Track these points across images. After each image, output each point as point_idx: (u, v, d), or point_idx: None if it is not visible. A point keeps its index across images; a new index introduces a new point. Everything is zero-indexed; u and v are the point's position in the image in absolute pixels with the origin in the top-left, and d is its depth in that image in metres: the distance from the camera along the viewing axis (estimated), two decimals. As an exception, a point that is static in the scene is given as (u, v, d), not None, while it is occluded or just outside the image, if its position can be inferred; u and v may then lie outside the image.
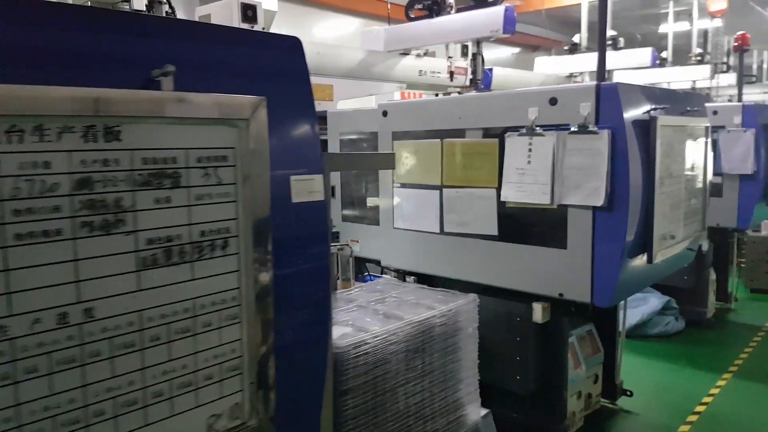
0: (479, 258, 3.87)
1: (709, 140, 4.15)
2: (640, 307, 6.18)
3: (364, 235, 4.62)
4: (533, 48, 17.01)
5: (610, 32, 8.42)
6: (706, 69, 10.11)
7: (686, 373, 5.30)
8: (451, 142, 3.97)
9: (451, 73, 6.29)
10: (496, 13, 4.59)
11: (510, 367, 3.80)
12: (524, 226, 3.66)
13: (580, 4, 9.58)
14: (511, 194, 3.63)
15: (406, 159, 4.17)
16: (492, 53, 15.88)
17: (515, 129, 3.57)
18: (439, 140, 4.00)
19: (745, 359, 5.58)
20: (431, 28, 5.16)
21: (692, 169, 3.98)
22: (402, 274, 4.32)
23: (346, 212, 4.76)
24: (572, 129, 3.35)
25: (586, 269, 3.36)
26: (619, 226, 3.25)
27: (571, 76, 9.28)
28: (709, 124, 4.15)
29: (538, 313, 3.67)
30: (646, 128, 3.41)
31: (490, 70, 7.70)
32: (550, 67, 9.31)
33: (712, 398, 4.77)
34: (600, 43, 3.67)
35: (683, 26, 12.40)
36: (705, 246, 6.05)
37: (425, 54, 6.23)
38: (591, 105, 3.29)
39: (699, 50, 10.81)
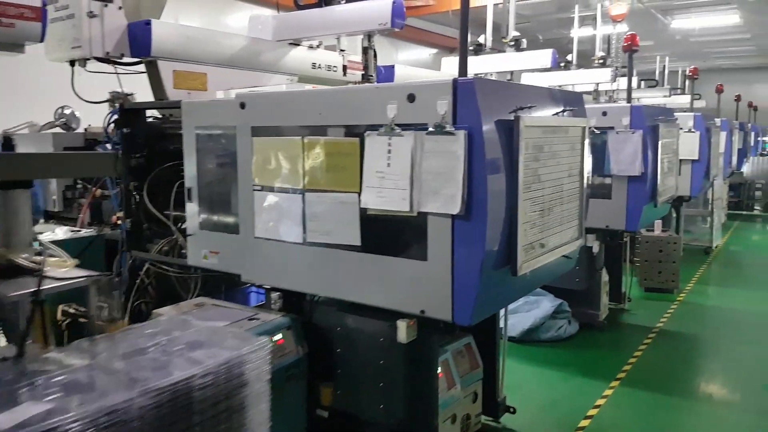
0: (343, 271, 3.47)
1: (587, 141, 3.93)
2: (533, 311, 6.02)
3: (225, 245, 4.15)
4: (450, 49, 16.93)
5: (512, 33, 8.27)
6: (607, 72, 10.19)
7: (575, 383, 5.14)
8: (313, 141, 3.56)
9: (345, 68, 5.89)
10: (385, 5, 4.32)
11: (374, 394, 3.45)
12: (387, 235, 3.28)
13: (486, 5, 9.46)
14: (371, 200, 3.26)
15: (267, 158, 3.72)
16: (411, 54, 15.73)
17: (376, 128, 3.20)
18: (300, 138, 3.58)
19: (633, 364, 5.49)
20: (320, 18, 4.84)
21: (568, 172, 3.74)
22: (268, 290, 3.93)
23: (205, 218, 4.25)
24: (429, 129, 3.02)
25: (447, 283, 3.02)
26: (477, 237, 2.93)
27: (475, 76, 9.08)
28: (586, 125, 3.92)
29: (402, 331, 3.30)
30: (510, 129, 3.10)
31: (392, 67, 7.44)
32: (455, 68, 9.08)
33: (597, 410, 4.60)
34: (462, 40, 3.34)
35: (591, 31, 12.57)
36: (596, 248, 5.96)
37: (318, 46, 5.83)
38: (448, 103, 2.94)
39: (602, 53, 10.92)
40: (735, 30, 16.87)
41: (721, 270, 9.38)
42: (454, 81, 2.95)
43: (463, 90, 2.93)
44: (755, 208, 16.33)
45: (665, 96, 14.54)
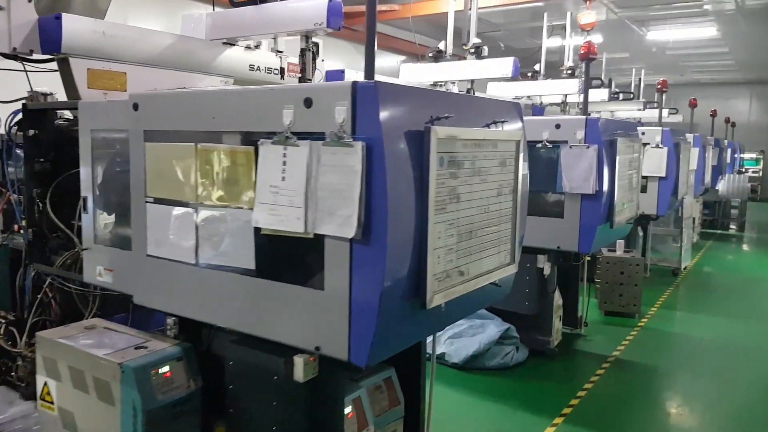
0: (236, 298, 3.03)
1: (522, 157, 3.52)
2: (477, 336, 5.60)
3: (119, 262, 3.69)
4: (419, 56, 16.58)
5: (474, 40, 7.93)
6: (575, 83, 9.89)
7: (517, 417, 4.72)
8: (206, 148, 3.11)
9: (282, 70, 5.52)
10: (321, 4, 4.05)
11: (267, 439, 3.00)
12: (283, 259, 2.85)
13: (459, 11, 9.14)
14: (262, 218, 2.79)
15: (159, 167, 3.30)
16: (378, 61, 15.34)
17: (270, 135, 2.76)
18: (193, 144, 3.14)
19: (582, 398, 5.08)
20: (255, 17, 4.52)
21: (497, 191, 3.33)
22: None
23: (100, 231, 3.80)
24: (327, 139, 2.59)
25: (344, 317, 2.59)
26: (376, 264, 2.47)
27: (435, 84, 8.75)
28: (522, 138, 3.52)
29: (300, 369, 2.84)
30: (420, 141, 2.66)
31: (342, 71, 7.16)
32: (414, 75, 8.73)
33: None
34: (368, 39, 2.89)
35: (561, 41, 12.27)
36: (547, 269, 5.57)
37: (257, 47, 5.44)
38: (347, 109, 2.50)
39: (570, 64, 10.65)
40: (712, 43, 16.67)
41: (688, 293, 9.01)
42: (353, 84, 2.51)
43: (363, 95, 2.48)
44: (730, 227, 16.09)
45: (640, 110, 14.29)
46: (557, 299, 5.97)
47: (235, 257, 3.02)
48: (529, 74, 11.39)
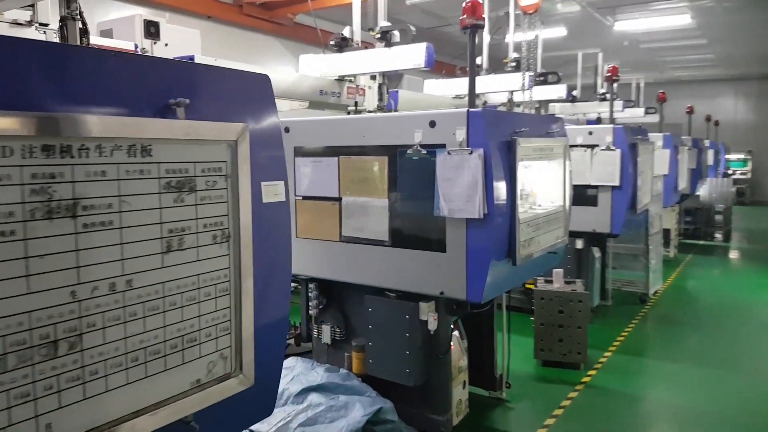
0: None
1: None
2: (337, 422, 3.94)
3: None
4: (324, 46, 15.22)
5: (382, 23, 6.46)
6: (517, 77, 8.39)
7: None
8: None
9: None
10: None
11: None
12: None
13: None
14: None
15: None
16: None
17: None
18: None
19: None
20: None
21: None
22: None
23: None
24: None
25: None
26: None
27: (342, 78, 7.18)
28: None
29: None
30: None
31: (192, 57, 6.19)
32: (313, 67, 7.15)
33: None
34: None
35: (529, 36, 10.77)
36: (432, 323, 3.94)
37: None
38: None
39: (515, 55, 9.16)
40: (687, 34, 15.11)
41: (655, 329, 7.24)
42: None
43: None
44: (715, 236, 14.47)
45: (618, 110, 12.77)
46: (457, 360, 4.31)
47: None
48: (460, 70, 9.96)
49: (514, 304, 6.58)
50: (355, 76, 7.04)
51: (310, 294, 4.37)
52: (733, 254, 13.06)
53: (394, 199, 3.83)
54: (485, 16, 9.54)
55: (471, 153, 3.46)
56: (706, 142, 14.05)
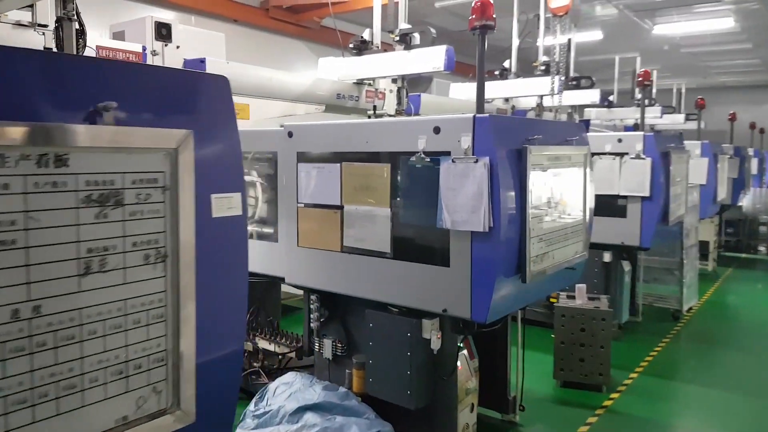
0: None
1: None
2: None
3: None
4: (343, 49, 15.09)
5: (402, 25, 6.26)
6: (548, 81, 8.09)
7: None
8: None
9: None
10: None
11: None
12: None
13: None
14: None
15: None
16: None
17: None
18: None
19: None
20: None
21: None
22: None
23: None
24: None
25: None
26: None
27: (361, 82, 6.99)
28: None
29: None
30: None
31: (203, 60, 6.05)
32: (332, 70, 6.97)
33: None
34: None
35: (561, 39, 10.45)
36: (435, 342, 3.69)
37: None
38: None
39: (545, 59, 8.87)
40: (731, 38, 14.46)
41: (687, 349, 6.82)
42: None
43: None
44: (759, 249, 13.80)
45: (656, 117, 12.30)
46: (465, 381, 4.04)
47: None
48: (497, 72, 9.65)
49: (536, 318, 6.27)
50: (374, 79, 6.87)
51: (311, 306, 4.15)
52: (778, 268, 12.43)
53: (396, 209, 3.59)
54: (514, 19, 9.34)
55: (476, 161, 3.21)
56: (750, 151, 13.41)
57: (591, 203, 4.21)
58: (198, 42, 5.57)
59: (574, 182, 3.99)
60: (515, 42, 9.29)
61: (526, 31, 9.74)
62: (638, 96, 12.18)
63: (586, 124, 12.56)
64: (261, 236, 4.34)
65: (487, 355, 4.44)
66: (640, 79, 6.49)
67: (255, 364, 4.87)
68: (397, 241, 3.59)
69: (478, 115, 3.27)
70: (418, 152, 3.44)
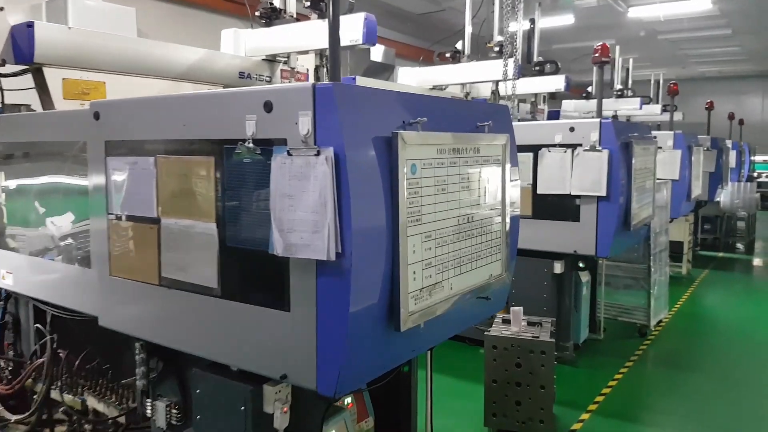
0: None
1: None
2: None
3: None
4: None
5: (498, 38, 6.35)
6: (499, 64, 7.26)
7: None
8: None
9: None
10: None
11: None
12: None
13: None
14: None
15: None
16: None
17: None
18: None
19: None
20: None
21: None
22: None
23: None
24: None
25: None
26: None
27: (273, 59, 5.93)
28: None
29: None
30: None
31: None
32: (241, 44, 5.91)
33: None
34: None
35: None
36: (281, 421, 2.59)
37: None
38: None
39: (499, 39, 8.04)
40: (710, 23, 13.56)
41: (653, 376, 5.76)
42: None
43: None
44: (737, 246, 12.93)
45: (635, 108, 11.41)
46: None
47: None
48: (448, 55, 8.70)
49: (475, 337, 5.24)
50: (288, 55, 5.79)
51: (136, 358, 3.03)
52: (757, 268, 11.53)
53: (224, 224, 2.49)
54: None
55: (318, 154, 2.13)
56: (728, 143, 12.50)
57: (515, 208, 3.14)
58: (105, 17, 5.00)
59: (485, 181, 2.91)
60: (468, 17, 8.29)
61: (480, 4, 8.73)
62: (618, 87, 11.28)
63: (556, 114, 11.57)
64: (71, 259, 3.21)
65: (389, 406, 3.41)
66: (596, 54, 5.43)
67: (86, 426, 3.72)
68: (226, 271, 2.49)
69: (318, 84, 2.16)
70: (246, 140, 2.35)
